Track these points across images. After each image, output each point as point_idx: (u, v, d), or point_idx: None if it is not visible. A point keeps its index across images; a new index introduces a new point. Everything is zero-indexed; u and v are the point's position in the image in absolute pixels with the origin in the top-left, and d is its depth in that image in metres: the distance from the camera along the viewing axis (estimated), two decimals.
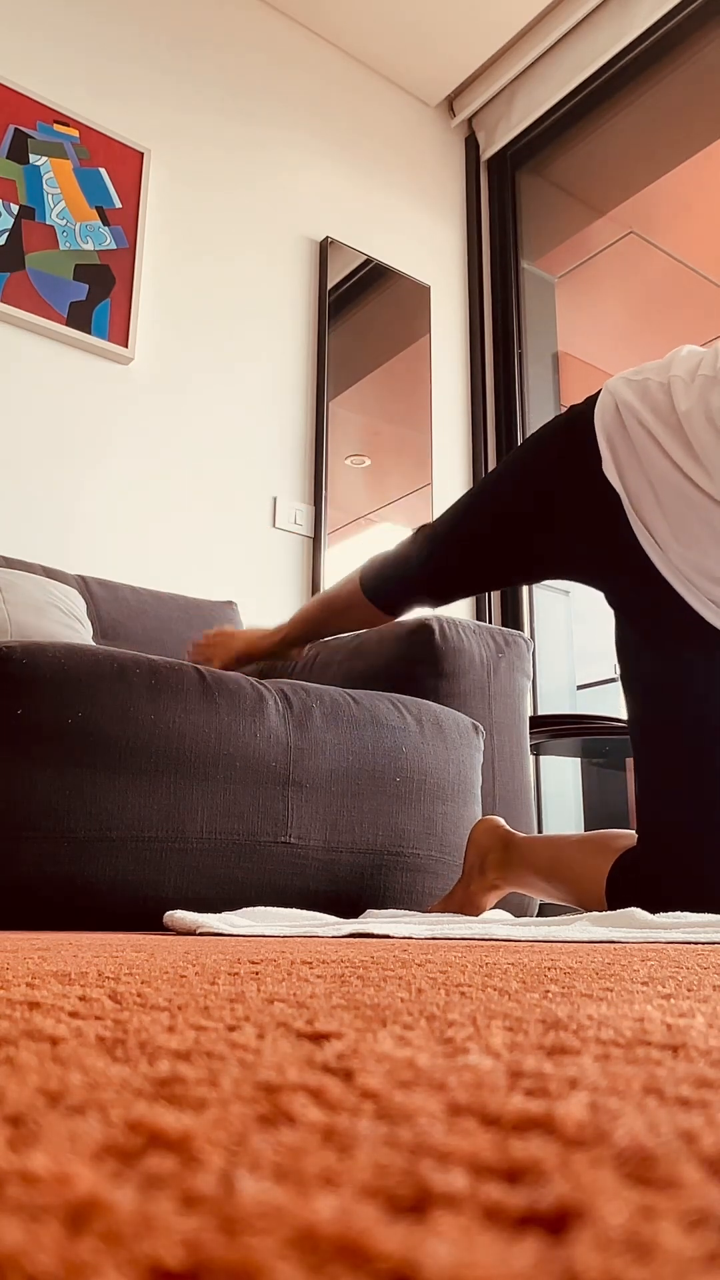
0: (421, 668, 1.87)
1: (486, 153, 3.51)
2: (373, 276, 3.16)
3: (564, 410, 1.37)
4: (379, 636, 2.00)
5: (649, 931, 0.96)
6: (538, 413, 3.29)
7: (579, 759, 2.99)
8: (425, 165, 3.43)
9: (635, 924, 1.06)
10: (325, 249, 3.05)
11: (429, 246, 3.36)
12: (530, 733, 2.41)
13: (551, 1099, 0.18)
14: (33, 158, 2.51)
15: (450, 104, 3.52)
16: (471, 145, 3.54)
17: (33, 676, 1.35)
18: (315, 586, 2.77)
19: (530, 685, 2.06)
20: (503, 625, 2.98)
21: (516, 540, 1.37)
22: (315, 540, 2.81)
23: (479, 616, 3.11)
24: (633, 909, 1.11)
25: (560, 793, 3.09)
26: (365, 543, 2.93)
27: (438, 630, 1.90)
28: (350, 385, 3.02)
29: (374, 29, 3.19)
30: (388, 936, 1.04)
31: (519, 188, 3.49)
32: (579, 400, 1.38)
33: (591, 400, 1.33)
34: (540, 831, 2.87)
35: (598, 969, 0.52)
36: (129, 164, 2.67)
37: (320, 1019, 0.29)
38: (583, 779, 3.14)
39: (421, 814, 1.64)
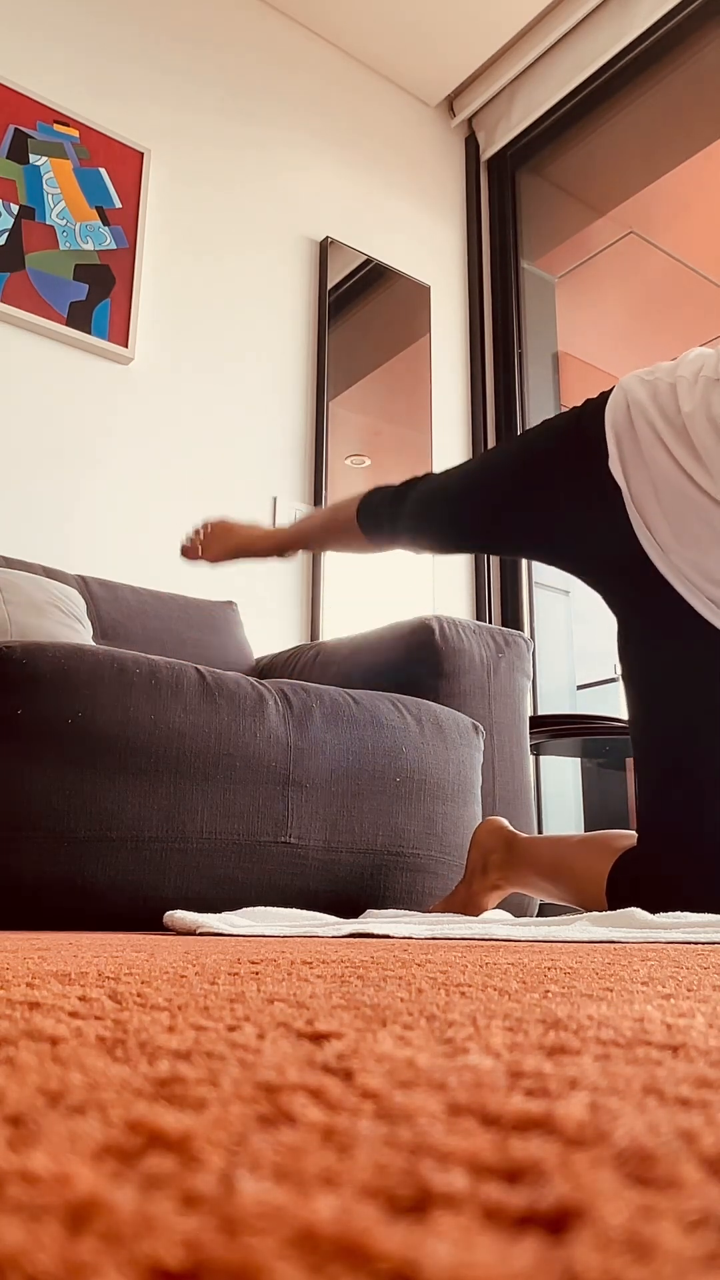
0: (421, 668, 1.87)
1: (486, 153, 3.51)
2: (373, 276, 3.16)
3: (579, 404, 1.39)
4: (379, 636, 2.00)
5: (649, 931, 0.96)
6: (538, 413, 3.29)
7: (579, 759, 2.99)
8: (425, 165, 3.43)
9: (635, 924, 1.06)
10: (325, 249, 3.05)
11: (429, 246, 3.36)
12: (530, 733, 2.41)
13: (551, 1099, 0.18)
14: (33, 158, 2.52)
15: (450, 104, 3.52)
16: (471, 145, 3.54)
17: (33, 676, 1.35)
18: (315, 586, 2.77)
19: (530, 685, 2.06)
20: (503, 625, 2.98)
21: (513, 519, 1.39)
22: None
23: (479, 616, 3.11)
24: (633, 909, 1.11)
25: (560, 793, 3.09)
26: None
27: (438, 630, 1.90)
28: (350, 385, 3.02)
29: (374, 29, 3.19)
30: (388, 936, 1.04)
31: (519, 188, 3.49)
32: (579, 400, 1.39)
33: (604, 395, 1.34)
34: (540, 831, 2.87)
35: (598, 969, 0.52)
36: (129, 164, 2.67)
37: (320, 1019, 0.29)
38: (583, 779, 3.14)
39: (421, 814, 1.64)
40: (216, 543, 1.81)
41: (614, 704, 3.41)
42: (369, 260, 3.15)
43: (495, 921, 1.29)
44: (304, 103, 3.14)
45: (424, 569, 3.02)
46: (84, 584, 2.17)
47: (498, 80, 3.34)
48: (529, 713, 2.22)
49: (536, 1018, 0.30)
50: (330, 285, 3.04)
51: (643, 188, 3.25)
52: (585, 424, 1.32)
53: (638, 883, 1.24)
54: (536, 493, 1.35)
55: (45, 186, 2.51)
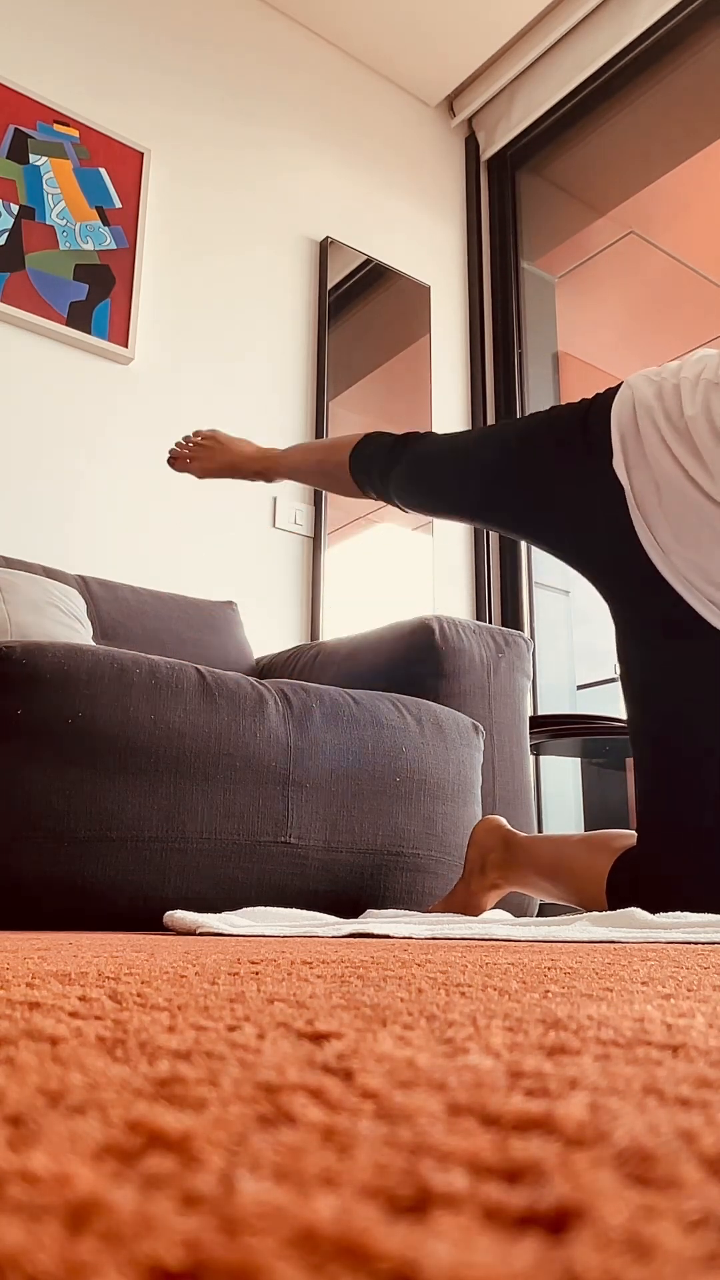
0: (421, 667, 1.87)
1: (486, 153, 3.51)
2: (373, 276, 3.16)
3: (591, 396, 1.39)
4: (379, 636, 2.00)
5: (649, 931, 0.96)
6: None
7: (579, 759, 2.99)
8: (425, 165, 3.43)
9: (635, 924, 1.06)
10: (325, 249, 3.05)
11: (429, 246, 3.36)
12: (530, 733, 2.41)
13: (551, 1099, 0.18)
14: (33, 158, 2.52)
15: (450, 104, 3.52)
16: (471, 145, 3.54)
17: (33, 676, 1.35)
18: (315, 587, 2.77)
19: (530, 685, 2.06)
20: (503, 625, 2.98)
21: (509, 503, 1.39)
22: (315, 540, 2.81)
23: (479, 616, 3.11)
24: (633, 909, 1.11)
25: (560, 793, 3.09)
26: (365, 543, 2.94)
27: (438, 630, 1.90)
28: (350, 385, 3.02)
29: (374, 29, 3.19)
30: (388, 936, 1.04)
31: (519, 188, 3.49)
32: (579, 400, 1.39)
33: (611, 392, 1.33)
34: (541, 831, 2.87)
35: (598, 969, 0.52)
36: (129, 164, 2.67)
37: (320, 1019, 0.29)
38: (583, 779, 3.14)
39: (421, 814, 1.64)
40: (206, 456, 1.78)
41: (614, 704, 3.41)
42: (369, 260, 3.15)
43: (495, 921, 1.29)
44: (304, 103, 3.14)
45: (424, 569, 3.02)
46: (84, 584, 2.17)
47: (498, 80, 3.34)
48: (529, 713, 2.22)
49: (536, 1018, 0.30)
50: (330, 285, 3.04)
51: (643, 188, 3.25)
52: (591, 420, 1.32)
53: (637, 883, 1.23)
54: (535, 482, 1.35)
55: (45, 186, 2.51)
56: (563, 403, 1.41)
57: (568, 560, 1.37)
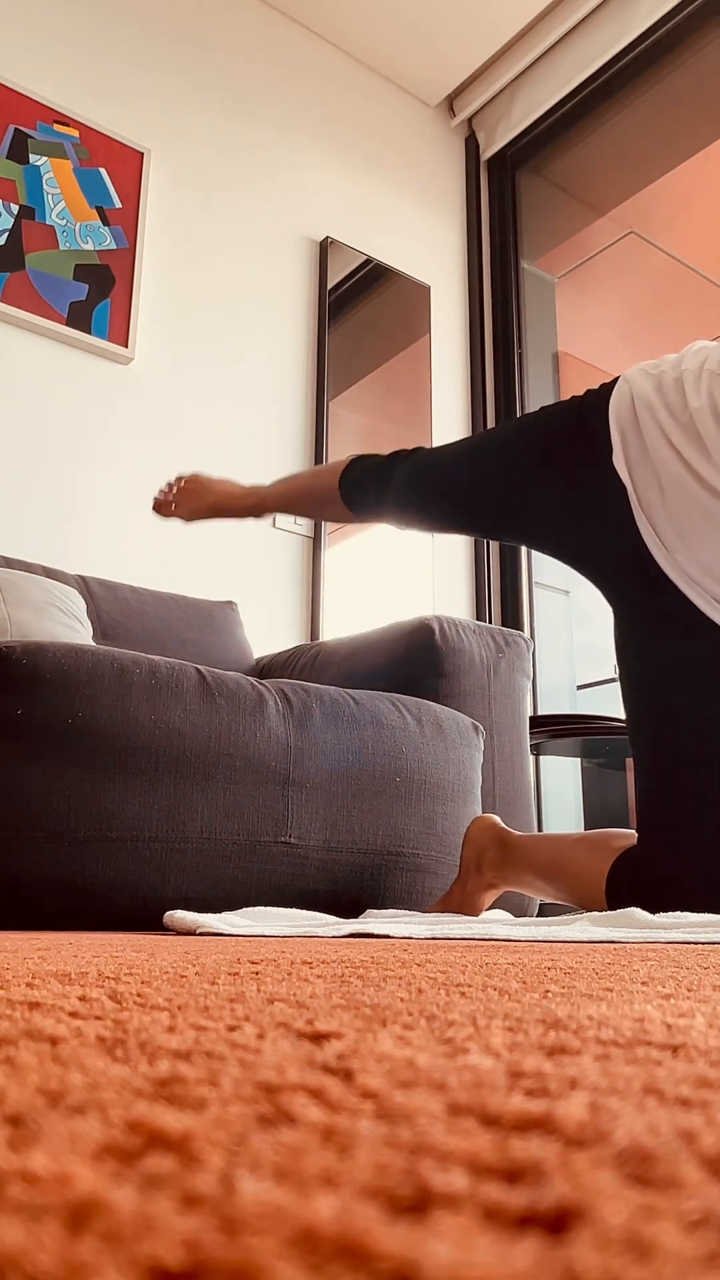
0: (421, 668, 1.87)
1: (486, 153, 3.51)
2: (373, 276, 3.16)
3: (583, 392, 1.36)
4: (379, 636, 2.00)
5: (649, 931, 0.96)
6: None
7: (579, 759, 2.99)
8: (425, 165, 3.43)
9: (635, 924, 1.06)
10: (325, 249, 3.05)
11: (429, 246, 3.36)
12: (530, 733, 2.41)
13: (551, 1099, 0.18)
14: (33, 158, 2.52)
15: (450, 104, 3.52)
16: (471, 145, 3.54)
17: (33, 676, 1.35)
18: (315, 587, 2.77)
19: (530, 685, 2.06)
20: (503, 625, 2.98)
21: (507, 509, 1.37)
22: (315, 540, 2.81)
23: (479, 616, 3.11)
24: (633, 909, 1.11)
25: (560, 793, 3.09)
26: (365, 543, 2.94)
27: (438, 630, 1.90)
28: (350, 385, 3.02)
29: (374, 29, 3.19)
30: (388, 936, 1.04)
31: (519, 188, 3.49)
32: (570, 398, 1.37)
33: (607, 387, 1.31)
34: (540, 831, 2.86)
35: (598, 969, 0.52)
36: (129, 164, 2.67)
37: (320, 1019, 0.29)
38: (583, 779, 3.14)
39: (421, 814, 1.64)
40: (191, 499, 1.75)
41: (614, 704, 3.41)
42: (369, 260, 3.15)
43: (495, 921, 1.29)
44: (304, 103, 3.14)
45: (424, 569, 3.02)
46: (84, 584, 2.17)
47: (498, 80, 3.34)
48: (529, 713, 2.22)
49: (536, 1018, 0.30)
50: (330, 285, 3.04)
51: (643, 188, 3.25)
52: (587, 416, 1.29)
53: (637, 883, 1.23)
54: (532, 483, 1.33)
55: (45, 186, 2.52)
56: (554, 402, 1.39)
57: (570, 563, 1.36)
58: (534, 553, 3.19)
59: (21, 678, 1.35)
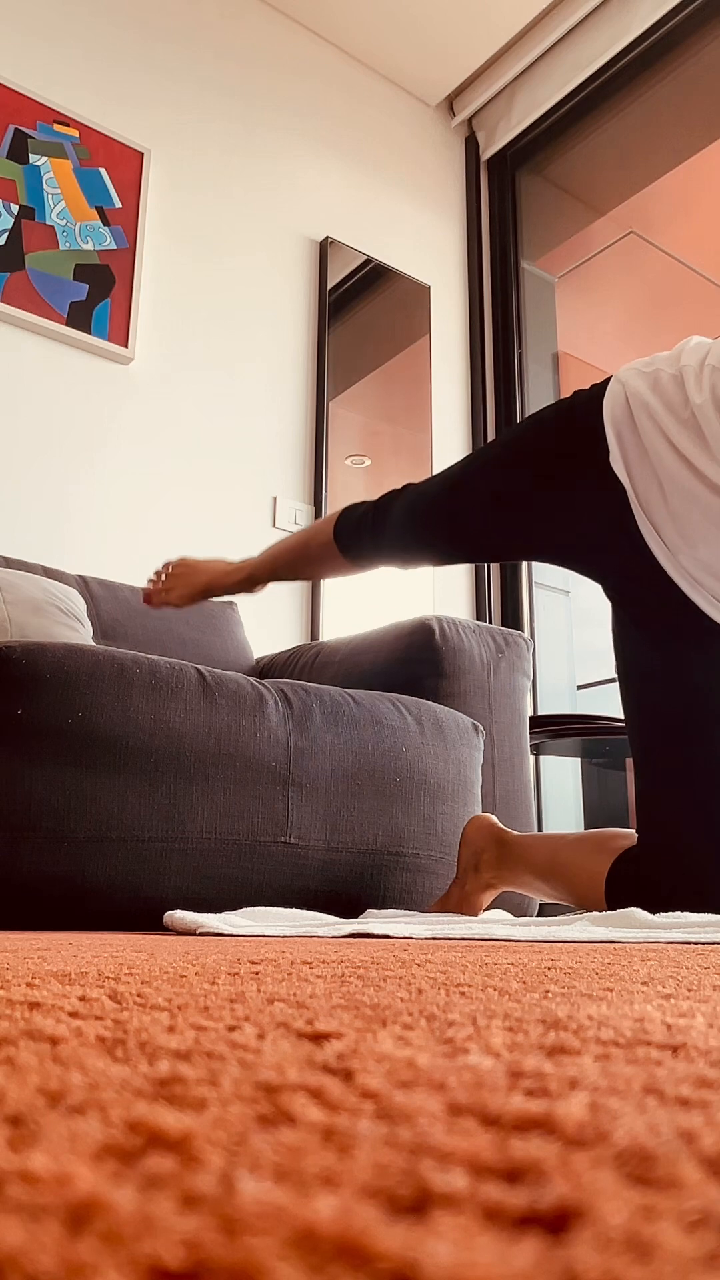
0: (421, 667, 1.87)
1: (486, 153, 3.51)
2: (373, 276, 3.16)
3: (571, 394, 1.34)
4: (379, 636, 2.00)
5: (649, 931, 0.96)
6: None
7: (579, 759, 2.99)
8: (425, 165, 3.43)
9: (635, 924, 1.06)
10: (325, 249, 3.05)
11: (429, 246, 3.36)
12: (530, 733, 2.41)
13: (551, 1099, 0.18)
14: (33, 158, 2.52)
15: (450, 104, 3.52)
16: (471, 145, 3.54)
17: (33, 676, 1.35)
18: (315, 587, 2.77)
19: (530, 685, 2.06)
20: (503, 625, 2.98)
21: (509, 523, 1.34)
22: None
23: (479, 616, 3.11)
24: (633, 909, 1.11)
25: (560, 793, 3.09)
26: None
27: (438, 630, 1.90)
28: (350, 385, 3.02)
29: (374, 29, 3.19)
30: (388, 936, 1.04)
31: (519, 188, 3.49)
32: (559, 401, 1.35)
33: (598, 388, 1.29)
34: (540, 831, 2.86)
35: (598, 969, 0.52)
36: (129, 164, 2.67)
37: (320, 1019, 0.29)
38: (583, 779, 3.14)
39: (421, 814, 1.64)
40: (182, 583, 1.71)
41: (614, 704, 3.41)
42: (369, 260, 3.15)
43: (495, 921, 1.29)
44: (304, 103, 3.14)
45: (424, 569, 3.02)
46: (84, 584, 2.17)
47: (498, 80, 3.34)
48: (529, 713, 2.22)
49: (536, 1018, 0.30)
50: (330, 285, 3.04)
51: (643, 188, 3.25)
52: (579, 418, 1.28)
53: (637, 883, 1.23)
54: (530, 492, 1.31)
55: (45, 186, 2.51)
56: (541, 408, 1.37)
57: (573, 567, 1.35)
58: None
59: (21, 678, 1.35)
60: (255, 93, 3.04)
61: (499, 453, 1.36)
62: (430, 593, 3.01)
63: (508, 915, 1.58)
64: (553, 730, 2.45)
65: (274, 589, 2.71)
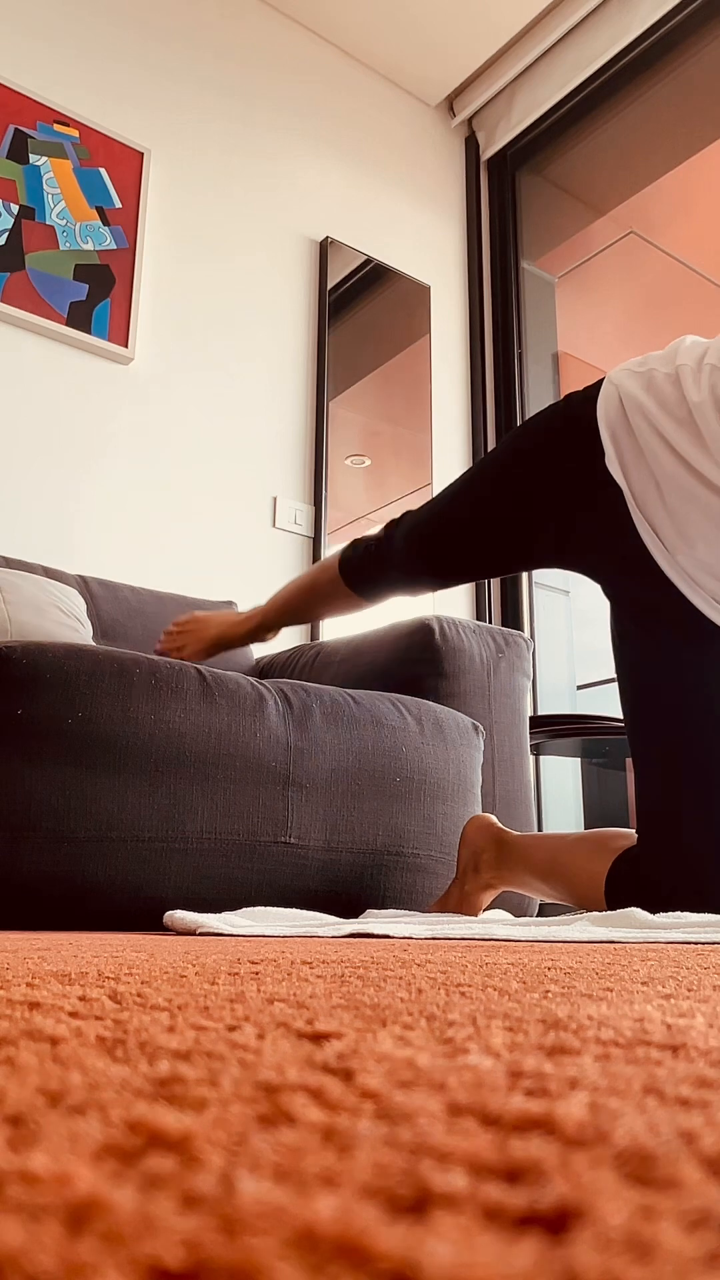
0: (421, 667, 1.87)
1: (486, 153, 3.51)
2: (373, 276, 3.16)
3: (562, 398, 1.34)
4: (379, 636, 2.00)
5: (649, 931, 0.96)
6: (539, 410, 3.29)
7: (579, 759, 2.99)
8: (425, 165, 3.43)
9: (635, 924, 1.06)
10: (325, 249, 3.05)
11: (429, 246, 3.36)
12: (530, 733, 2.41)
13: (551, 1099, 0.18)
14: (33, 158, 2.52)
15: (450, 104, 3.52)
16: (471, 145, 3.54)
17: (33, 676, 1.35)
18: None
19: (530, 685, 2.06)
20: (503, 625, 2.98)
21: (508, 533, 1.34)
22: (315, 540, 2.81)
23: (479, 616, 3.11)
24: (633, 909, 1.11)
25: (560, 793, 3.09)
26: None
27: (438, 630, 1.90)
28: (350, 385, 3.02)
29: (374, 29, 3.19)
30: (388, 936, 1.04)
31: (519, 188, 3.49)
32: (549, 407, 1.35)
33: (592, 390, 1.29)
34: (540, 831, 2.86)
35: (598, 969, 0.52)
36: (129, 164, 2.67)
37: (320, 1019, 0.29)
38: (583, 779, 3.15)
39: (421, 814, 1.64)
40: (192, 639, 1.72)
41: (614, 704, 3.41)
42: (369, 260, 3.15)
43: (495, 921, 1.29)
44: (304, 103, 3.14)
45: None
46: (84, 584, 2.17)
47: (498, 80, 3.34)
48: (529, 713, 2.22)
49: (536, 1018, 0.30)
50: (330, 285, 3.04)
51: (643, 188, 3.25)
52: (573, 421, 1.27)
53: (637, 883, 1.23)
54: (527, 498, 1.31)
55: (45, 186, 2.52)
56: (534, 414, 1.37)
57: (576, 569, 1.35)
58: None
59: (21, 678, 1.35)
60: (255, 93, 3.04)
61: (494, 464, 1.36)
62: (430, 593, 3.01)
63: (508, 915, 1.58)
64: (553, 730, 2.45)
65: (273, 587, 2.71)
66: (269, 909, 1.39)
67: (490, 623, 2.84)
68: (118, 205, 2.62)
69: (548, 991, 0.39)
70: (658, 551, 1.21)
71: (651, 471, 1.21)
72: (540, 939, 0.97)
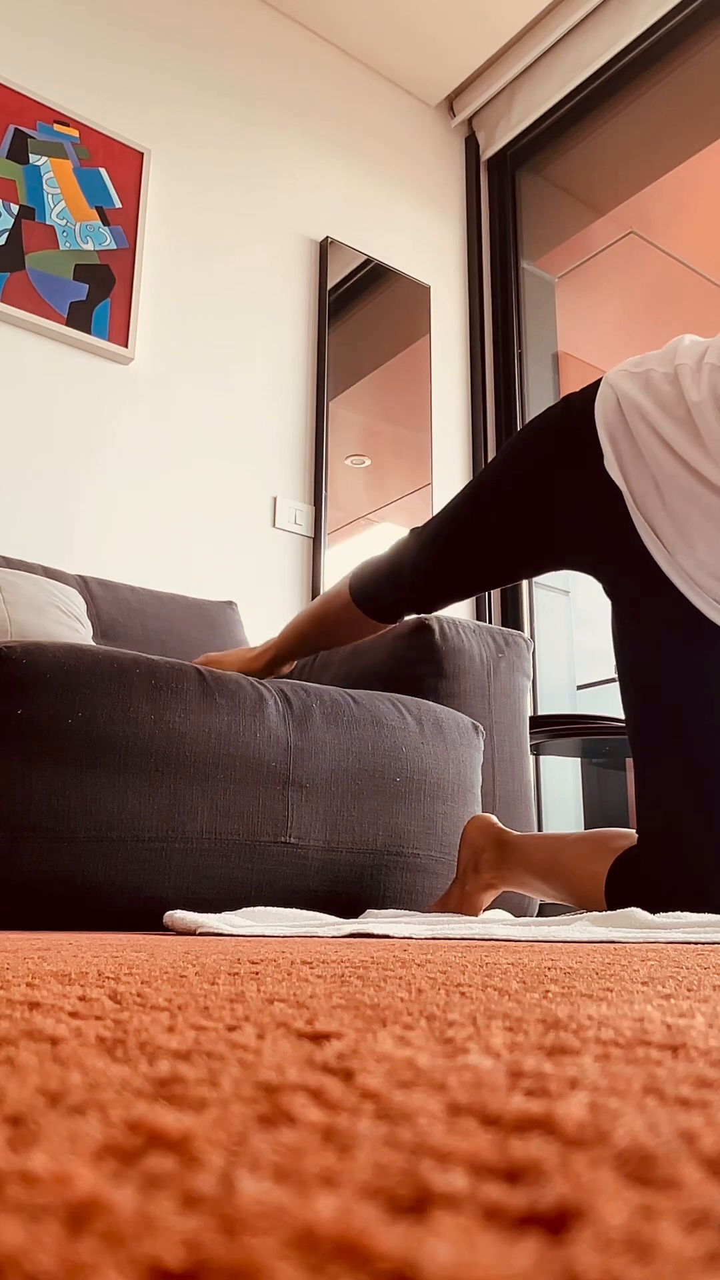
0: (421, 668, 1.87)
1: (486, 153, 3.51)
2: (373, 276, 3.16)
3: (558, 401, 1.34)
4: (379, 636, 2.00)
5: (649, 931, 0.96)
6: (538, 413, 3.29)
7: (579, 759, 2.99)
8: (425, 165, 3.43)
9: (635, 924, 1.06)
10: (325, 249, 3.05)
11: (429, 246, 3.36)
12: (530, 733, 2.41)
13: (551, 1099, 0.18)
14: (33, 158, 2.52)
15: (450, 104, 3.52)
16: (471, 145, 3.54)
17: (33, 676, 1.35)
18: (315, 587, 2.77)
19: (530, 685, 2.06)
20: (503, 625, 2.98)
21: (513, 541, 1.34)
22: (315, 540, 2.81)
23: (479, 616, 3.11)
24: (633, 909, 1.11)
25: (560, 793, 3.09)
26: (365, 543, 2.94)
27: (438, 630, 1.90)
28: (350, 385, 3.02)
29: (374, 29, 3.19)
30: (388, 936, 1.04)
31: (519, 187, 3.49)
32: (547, 410, 1.35)
33: (589, 392, 1.29)
34: (540, 831, 2.86)
35: (598, 969, 0.52)
36: (129, 164, 2.67)
37: (320, 1019, 0.29)
38: (583, 779, 3.15)
39: (421, 814, 1.64)
40: None
41: (614, 704, 3.41)
42: (369, 260, 3.15)
43: (495, 921, 1.29)
44: (304, 103, 3.14)
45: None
46: (84, 584, 2.17)
47: (498, 80, 3.34)
48: (529, 713, 2.22)
49: (536, 1018, 0.30)
50: (330, 285, 3.04)
51: (643, 188, 3.25)
52: (572, 423, 1.28)
53: (637, 883, 1.23)
54: (529, 505, 1.31)
55: (45, 186, 2.51)
56: (533, 417, 1.37)
57: (578, 569, 1.35)
58: None
59: (21, 678, 1.35)
60: (255, 92, 3.04)
61: (496, 470, 1.36)
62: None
63: (508, 915, 1.58)
64: (553, 730, 2.45)
65: (273, 587, 2.71)
66: (269, 909, 1.39)
67: (490, 623, 2.84)
68: (118, 205, 2.62)
69: (548, 991, 0.39)
70: (658, 552, 1.21)
71: (650, 472, 1.21)
72: (540, 939, 0.97)
